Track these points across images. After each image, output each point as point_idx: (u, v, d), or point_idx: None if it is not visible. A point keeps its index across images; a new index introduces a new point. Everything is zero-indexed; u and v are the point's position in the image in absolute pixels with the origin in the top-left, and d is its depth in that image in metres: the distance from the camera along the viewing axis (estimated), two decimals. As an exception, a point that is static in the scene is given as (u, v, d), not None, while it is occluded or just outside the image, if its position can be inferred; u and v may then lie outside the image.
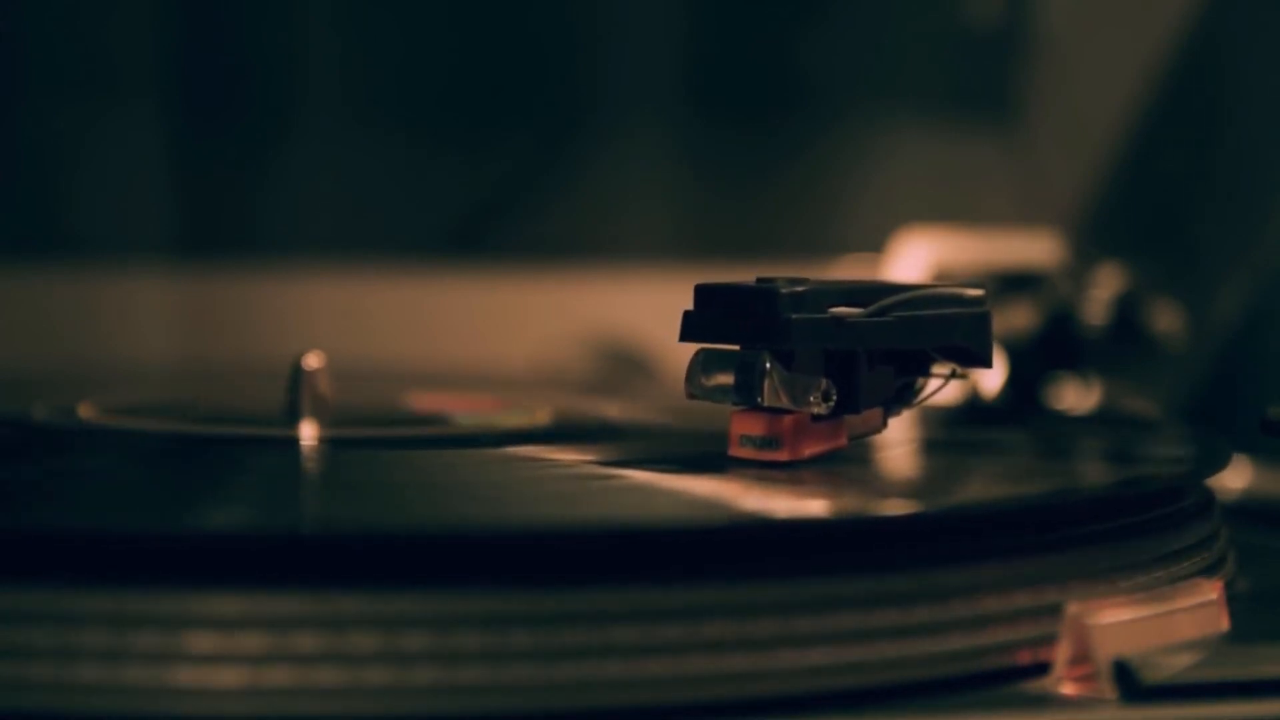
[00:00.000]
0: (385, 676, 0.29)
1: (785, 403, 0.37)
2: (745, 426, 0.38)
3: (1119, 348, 0.58)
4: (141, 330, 0.72)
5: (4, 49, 0.72)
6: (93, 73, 0.72)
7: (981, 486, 0.40)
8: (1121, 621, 0.33)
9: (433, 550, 0.30)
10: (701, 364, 0.38)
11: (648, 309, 0.66)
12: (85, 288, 0.71)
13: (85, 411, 0.48)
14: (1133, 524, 0.36)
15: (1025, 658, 0.33)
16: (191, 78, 0.73)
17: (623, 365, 0.70)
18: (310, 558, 0.30)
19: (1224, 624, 0.35)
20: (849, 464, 0.39)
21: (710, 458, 0.39)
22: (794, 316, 0.36)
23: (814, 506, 0.35)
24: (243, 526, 0.32)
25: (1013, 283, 0.59)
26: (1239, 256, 0.63)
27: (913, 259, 0.62)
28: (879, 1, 0.78)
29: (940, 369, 0.40)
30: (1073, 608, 0.33)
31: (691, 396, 0.38)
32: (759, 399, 0.37)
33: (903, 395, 0.40)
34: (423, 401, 0.47)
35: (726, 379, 0.37)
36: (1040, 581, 0.34)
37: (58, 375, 0.64)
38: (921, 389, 0.40)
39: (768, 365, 0.37)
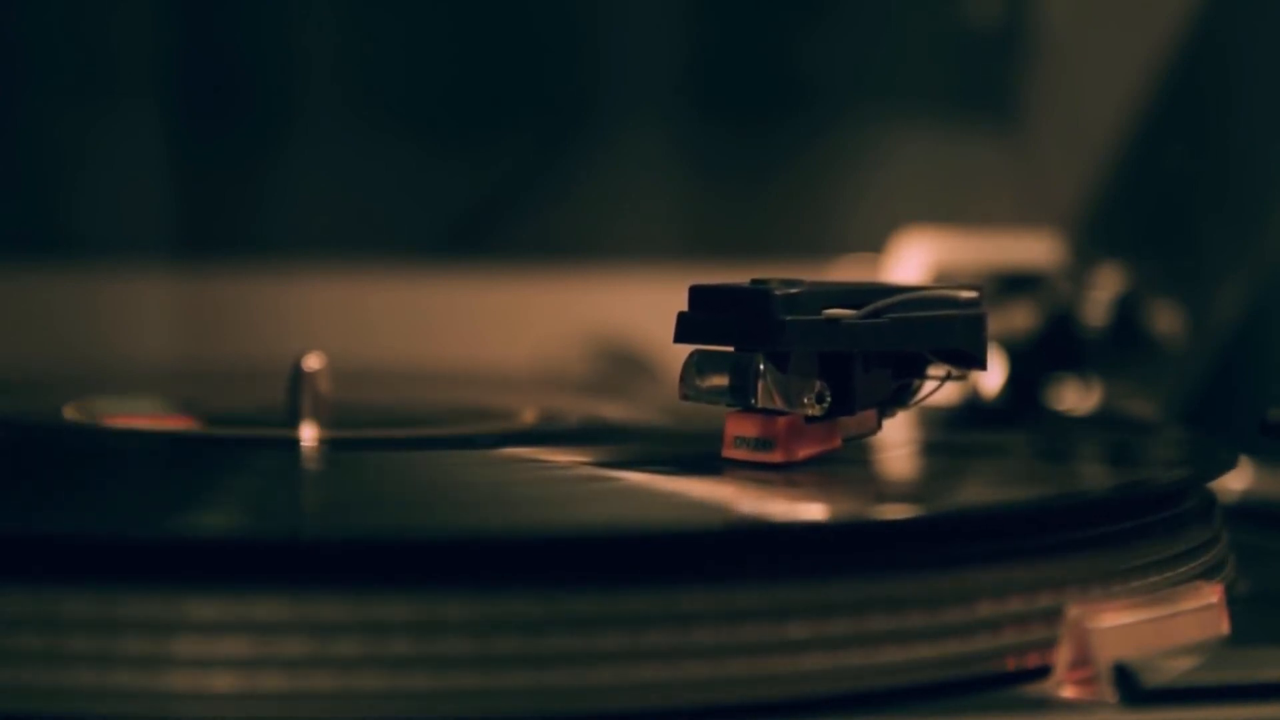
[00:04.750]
0: (375, 681, 0.29)
1: (780, 404, 0.37)
2: (739, 428, 0.38)
3: (1119, 348, 0.58)
4: (141, 330, 0.72)
5: (4, 49, 0.72)
6: (93, 73, 0.72)
7: (980, 489, 0.40)
8: (1122, 625, 0.33)
9: (428, 553, 0.30)
10: (696, 365, 0.38)
11: (648, 309, 0.66)
12: (85, 288, 0.71)
13: (84, 412, 0.48)
14: (1133, 527, 0.36)
15: (1025, 661, 0.33)
16: (191, 78, 0.73)
17: (623, 365, 0.70)
18: (306, 561, 0.30)
19: (1224, 627, 0.35)
20: (844, 466, 0.39)
21: (705, 459, 0.38)
22: (788, 318, 0.36)
23: (809, 510, 0.35)
24: (235, 530, 0.32)
25: (1013, 283, 0.59)
26: (1239, 256, 0.62)
27: (912, 259, 0.61)
28: (879, 1, 0.78)
29: (936, 370, 0.40)
30: (1073, 611, 0.33)
31: (685, 398, 0.38)
32: (753, 401, 0.37)
33: (898, 397, 0.39)
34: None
35: (721, 380, 0.37)
36: (1040, 585, 0.33)
37: (58, 375, 0.64)
38: (917, 390, 0.40)
39: (762, 367, 0.37)
